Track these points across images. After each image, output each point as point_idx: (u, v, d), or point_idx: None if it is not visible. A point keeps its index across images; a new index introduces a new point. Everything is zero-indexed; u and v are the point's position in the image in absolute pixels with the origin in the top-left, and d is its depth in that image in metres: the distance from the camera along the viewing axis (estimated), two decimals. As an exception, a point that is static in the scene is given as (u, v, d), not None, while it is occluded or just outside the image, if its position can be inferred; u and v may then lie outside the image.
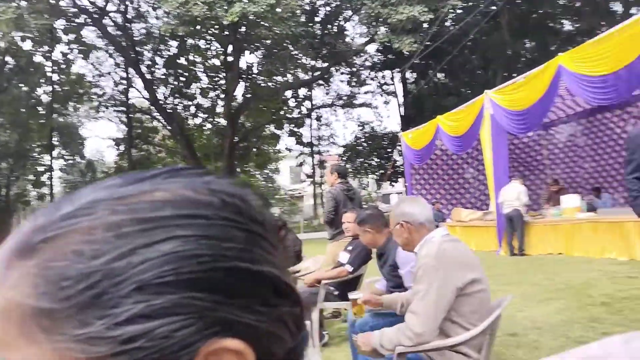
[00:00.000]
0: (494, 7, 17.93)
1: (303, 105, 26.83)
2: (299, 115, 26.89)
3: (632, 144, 3.09)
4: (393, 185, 29.05)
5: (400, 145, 13.90)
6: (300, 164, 29.43)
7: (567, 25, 22.47)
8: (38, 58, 22.33)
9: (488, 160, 9.67)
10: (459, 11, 19.67)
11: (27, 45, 20.55)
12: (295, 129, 26.90)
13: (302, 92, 25.94)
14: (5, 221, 24.26)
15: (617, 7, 19.62)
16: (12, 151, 23.31)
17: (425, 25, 16.42)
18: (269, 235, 0.34)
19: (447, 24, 20.29)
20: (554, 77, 7.83)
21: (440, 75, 23.45)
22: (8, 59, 21.24)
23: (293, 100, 25.71)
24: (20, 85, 22.70)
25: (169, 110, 22.51)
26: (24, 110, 22.77)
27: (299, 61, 22.66)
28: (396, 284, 3.05)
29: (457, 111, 11.00)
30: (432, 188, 13.38)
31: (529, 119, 8.66)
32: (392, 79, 25.71)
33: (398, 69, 22.24)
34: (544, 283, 5.87)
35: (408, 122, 20.84)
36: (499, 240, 9.34)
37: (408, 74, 23.76)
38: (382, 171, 23.81)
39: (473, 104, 10.16)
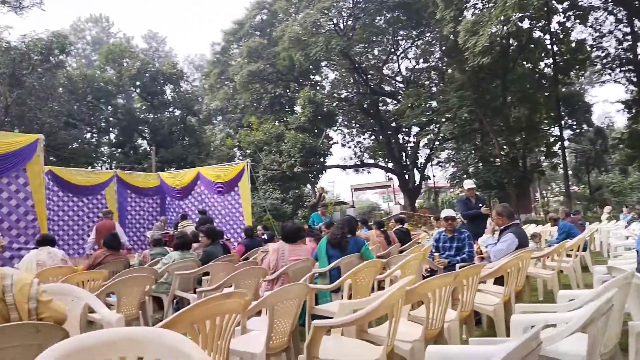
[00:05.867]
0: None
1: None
2: None
3: None
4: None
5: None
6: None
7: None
8: (537, 33, 22.61)
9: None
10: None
11: (525, 24, 21.06)
12: None
13: None
14: (525, 190, 26.42)
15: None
16: (523, 125, 24.35)
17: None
18: None
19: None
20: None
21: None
22: (511, 40, 21.75)
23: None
24: (523, 62, 23.45)
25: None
26: (529, 85, 23.18)
27: None
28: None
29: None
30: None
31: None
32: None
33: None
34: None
35: None
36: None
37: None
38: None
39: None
